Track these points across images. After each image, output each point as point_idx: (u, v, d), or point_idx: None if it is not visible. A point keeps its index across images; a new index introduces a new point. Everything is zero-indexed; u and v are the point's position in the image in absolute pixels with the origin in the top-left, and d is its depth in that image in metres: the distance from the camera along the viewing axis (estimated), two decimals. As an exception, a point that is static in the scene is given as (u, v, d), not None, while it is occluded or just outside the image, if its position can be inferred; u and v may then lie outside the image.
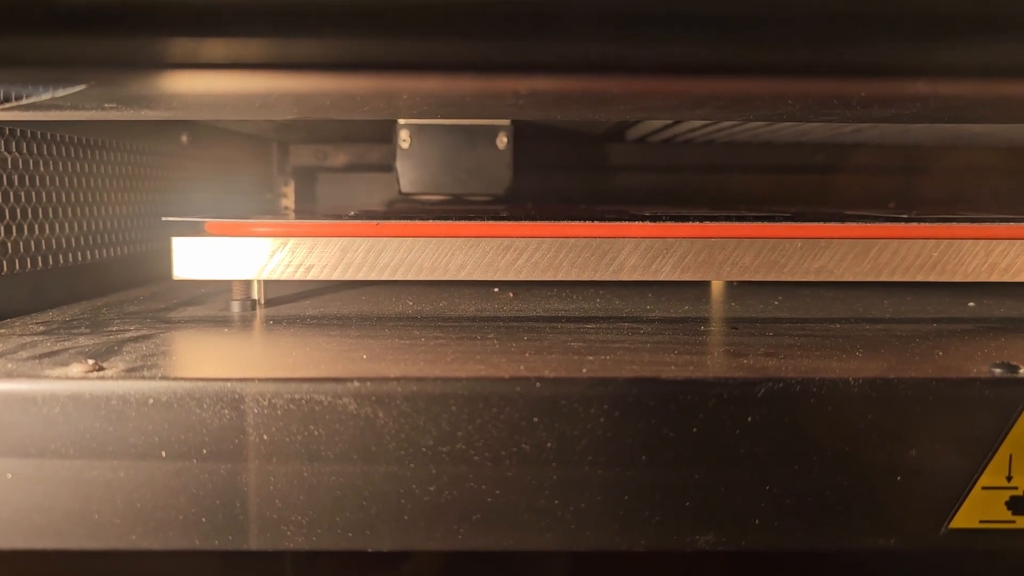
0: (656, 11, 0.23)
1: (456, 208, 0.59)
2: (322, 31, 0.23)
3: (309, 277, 0.38)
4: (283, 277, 0.38)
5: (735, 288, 0.48)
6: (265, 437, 0.26)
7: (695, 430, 0.26)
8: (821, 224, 0.38)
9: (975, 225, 0.38)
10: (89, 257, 0.45)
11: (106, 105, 0.32)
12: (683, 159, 0.81)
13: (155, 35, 0.24)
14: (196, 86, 0.31)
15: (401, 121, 0.64)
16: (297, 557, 0.52)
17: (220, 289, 0.46)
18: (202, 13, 0.23)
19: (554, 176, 0.82)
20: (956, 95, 0.29)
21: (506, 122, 0.65)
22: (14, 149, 0.39)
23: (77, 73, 0.26)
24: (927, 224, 0.38)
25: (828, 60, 0.26)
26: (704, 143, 0.77)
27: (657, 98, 0.30)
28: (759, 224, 0.38)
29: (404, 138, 0.64)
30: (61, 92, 0.28)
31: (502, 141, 0.65)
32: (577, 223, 0.38)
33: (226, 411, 0.26)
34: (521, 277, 0.38)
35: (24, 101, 0.30)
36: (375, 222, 0.38)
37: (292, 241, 0.38)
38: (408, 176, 0.64)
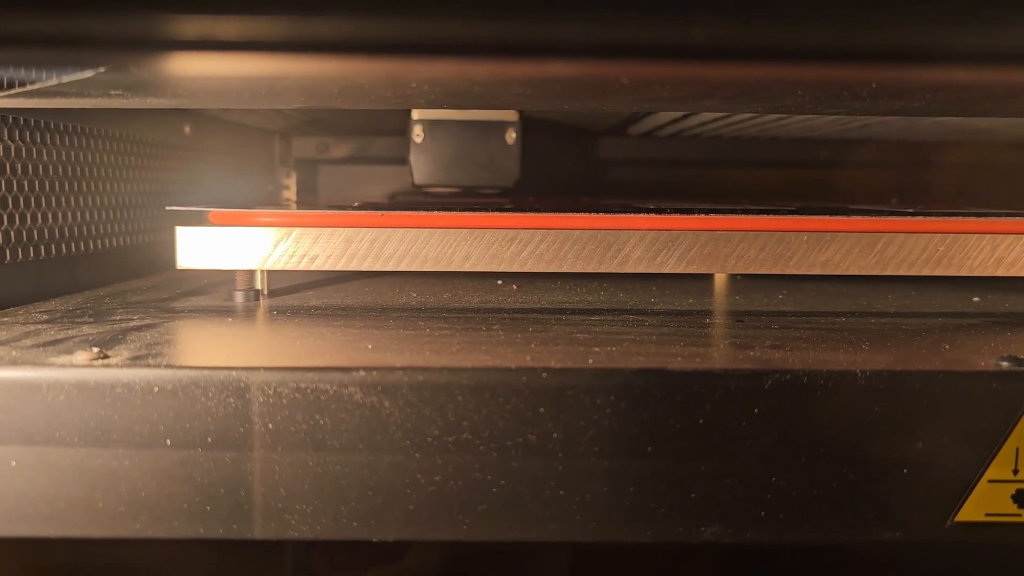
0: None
1: (461, 199, 0.59)
2: (334, 9, 0.23)
3: (313, 267, 0.38)
4: (287, 267, 0.38)
5: (739, 281, 0.48)
6: (270, 426, 0.26)
7: (701, 421, 0.26)
8: (827, 218, 0.38)
9: (981, 220, 0.38)
10: (92, 246, 0.45)
11: (112, 92, 0.32)
12: (687, 154, 0.81)
13: (161, 13, 0.24)
14: (203, 73, 0.31)
15: (415, 116, 0.66)
16: (299, 547, 0.52)
17: (223, 279, 0.46)
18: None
19: (560, 171, 0.82)
20: (969, 85, 0.29)
21: (515, 118, 0.67)
22: (17, 137, 0.39)
23: (83, 56, 0.26)
24: (933, 218, 0.38)
25: (842, 45, 0.25)
26: (710, 138, 0.77)
27: (666, 87, 0.30)
28: (765, 217, 0.38)
29: (418, 133, 0.66)
30: (66, 78, 0.28)
31: (511, 136, 0.67)
32: (582, 215, 0.38)
33: (231, 400, 0.26)
34: (526, 269, 0.38)
35: (28, 88, 0.30)
36: (380, 212, 0.38)
37: (296, 231, 0.38)
38: (421, 169, 0.66)
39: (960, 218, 0.38)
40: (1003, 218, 0.38)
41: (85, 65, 0.27)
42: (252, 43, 0.25)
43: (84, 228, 0.44)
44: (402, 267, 0.38)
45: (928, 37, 0.25)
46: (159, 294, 0.42)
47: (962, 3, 0.24)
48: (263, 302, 0.39)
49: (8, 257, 0.38)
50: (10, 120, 0.38)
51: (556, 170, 0.81)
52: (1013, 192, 0.78)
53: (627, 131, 0.77)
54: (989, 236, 0.38)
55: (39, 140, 0.40)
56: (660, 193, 0.81)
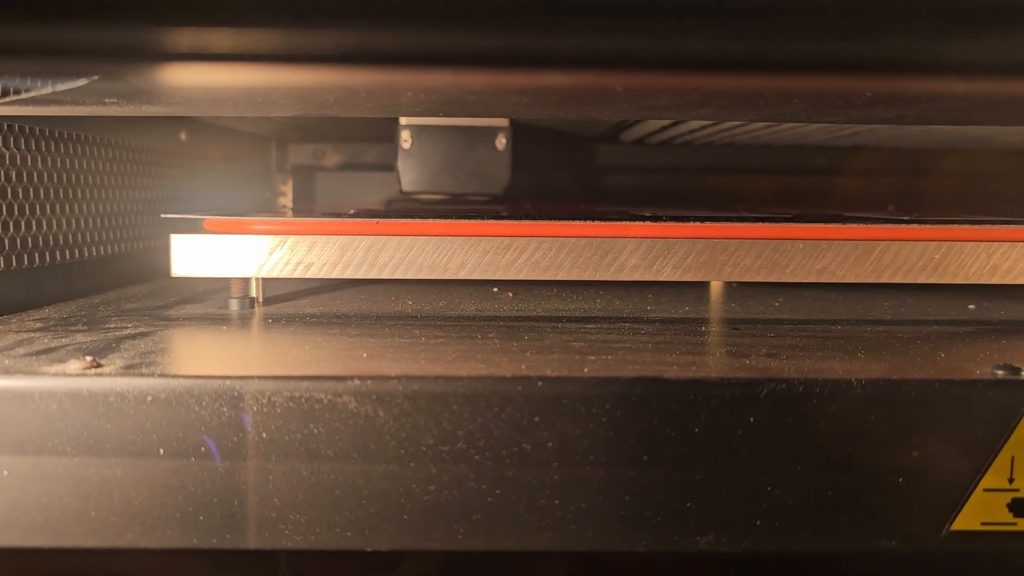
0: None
1: (456, 207, 0.59)
2: (330, 20, 0.23)
3: (308, 275, 0.38)
4: (282, 275, 0.38)
5: (735, 289, 0.48)
6: (264, 435, 0.26)
7: (697, 430, 0.26)
8: (823, 225, 0.38)
9: (976, 227, 0.38)
10: (86, 254, 0.45)
11: (107, 100, 0.32)
12: (680, 160, 0.81)
13: (158, 25, 0.24)
14: (198, 81, 0.31)
15: (403, 121, 0.65)
16: (292, 557, 0.51)
17: (218, 287, 0.46)
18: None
19: (551, 177, 0.82)
20: (965, 95, 0.29)
21: (505, 123, 0.66)
22: (12, 145, 0.38)
23: (78, 65, 0.26)
24: (929, 226, 0.38)
25: (838, 55, 0.25)
26: (702, 145, 0.77)
27: (662, 95, 0.30)
28: (761, 225, 0.38)
29: (406, 138, 0.65)
30: (61, 86, 0.28)
31: (501, 142, 0.66)
32: (578, 223, 0.38)
33: (225, 409, 0.26)
34: (522, 276, 0.38)
35: (23, 95, 0.30)
36: (375, 220, 0.38)
37: (292, 239, 0.38)
38: (409, 175, 0.65)
39: (956, 226, 0.38)
40: (998, 226, 0.38)
41: (80, 74, 0.27)
42: (247, 54, 0.25)
43: (79, 235, 0.44)
44: (397, 275, 0.38)
45: (923, 47, 0.25)
46: (154, 302, 0.42)
47: (957, 14, 0.24)
48: (258, 310, 0.39)
49: (2, 264, 0.38)
50: (4, 127, 0.38)
51: (547, 176, 0.81)
52: (1009, 200, 0.78)
53: (619, 138, 0.77)
54: (984, 244, 0.38)
55: (34, 147, 0.40)
56: (653, 200, 0.81)
